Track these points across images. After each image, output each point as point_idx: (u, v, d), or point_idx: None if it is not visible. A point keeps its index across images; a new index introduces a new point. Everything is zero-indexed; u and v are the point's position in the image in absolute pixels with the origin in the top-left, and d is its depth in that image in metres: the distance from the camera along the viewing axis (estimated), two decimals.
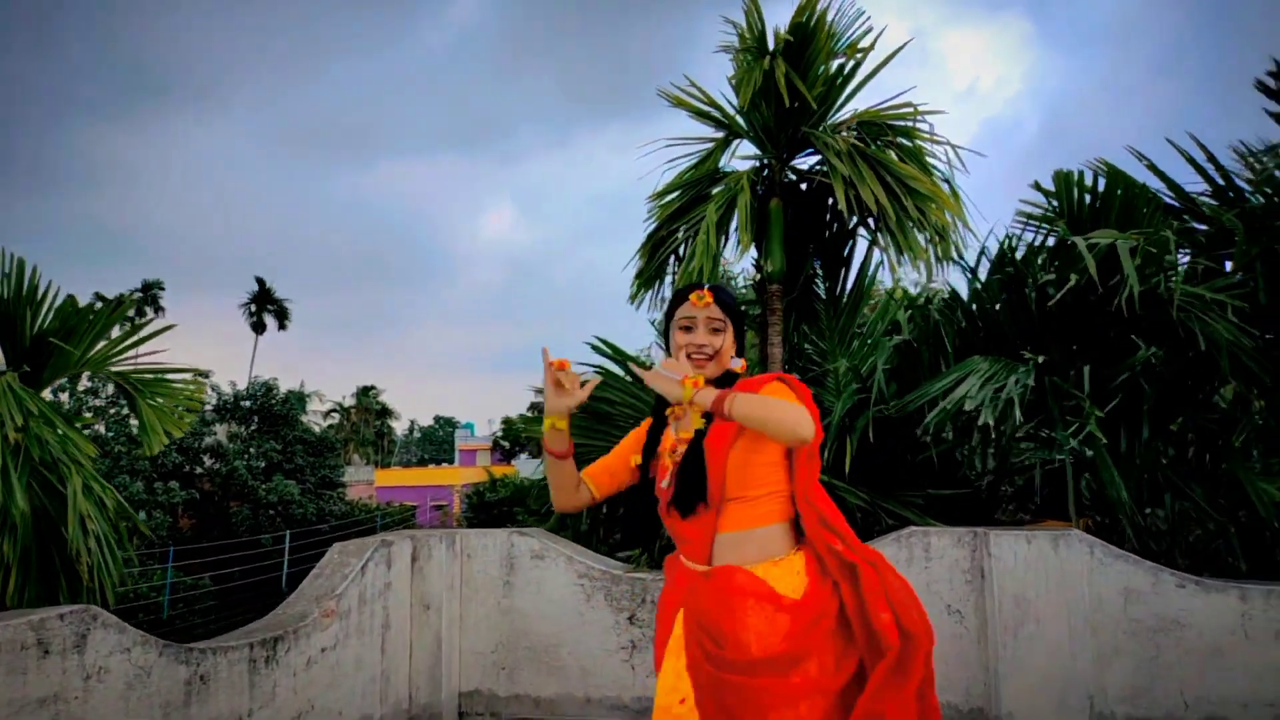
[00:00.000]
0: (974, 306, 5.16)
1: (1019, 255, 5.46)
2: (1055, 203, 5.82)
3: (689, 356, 2.20)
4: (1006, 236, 5.48)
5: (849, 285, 6.29)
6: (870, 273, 6.30)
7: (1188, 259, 5.15)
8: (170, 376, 7.40)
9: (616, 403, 6.67)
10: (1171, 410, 4.93)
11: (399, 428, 66.38)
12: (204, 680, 3.21)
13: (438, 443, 77.40)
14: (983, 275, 5.45)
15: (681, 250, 6.06)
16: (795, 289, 6.07)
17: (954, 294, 5.36)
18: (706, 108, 6.12)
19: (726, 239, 5.85)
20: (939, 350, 5.40)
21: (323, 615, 3.96)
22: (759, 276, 6.47)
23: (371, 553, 4.36)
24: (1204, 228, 5.49)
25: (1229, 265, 5.23)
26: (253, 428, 28.72)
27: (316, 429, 40.02)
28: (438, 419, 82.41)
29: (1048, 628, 4.15)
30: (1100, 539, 4.27)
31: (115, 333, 7.26)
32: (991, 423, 4.25)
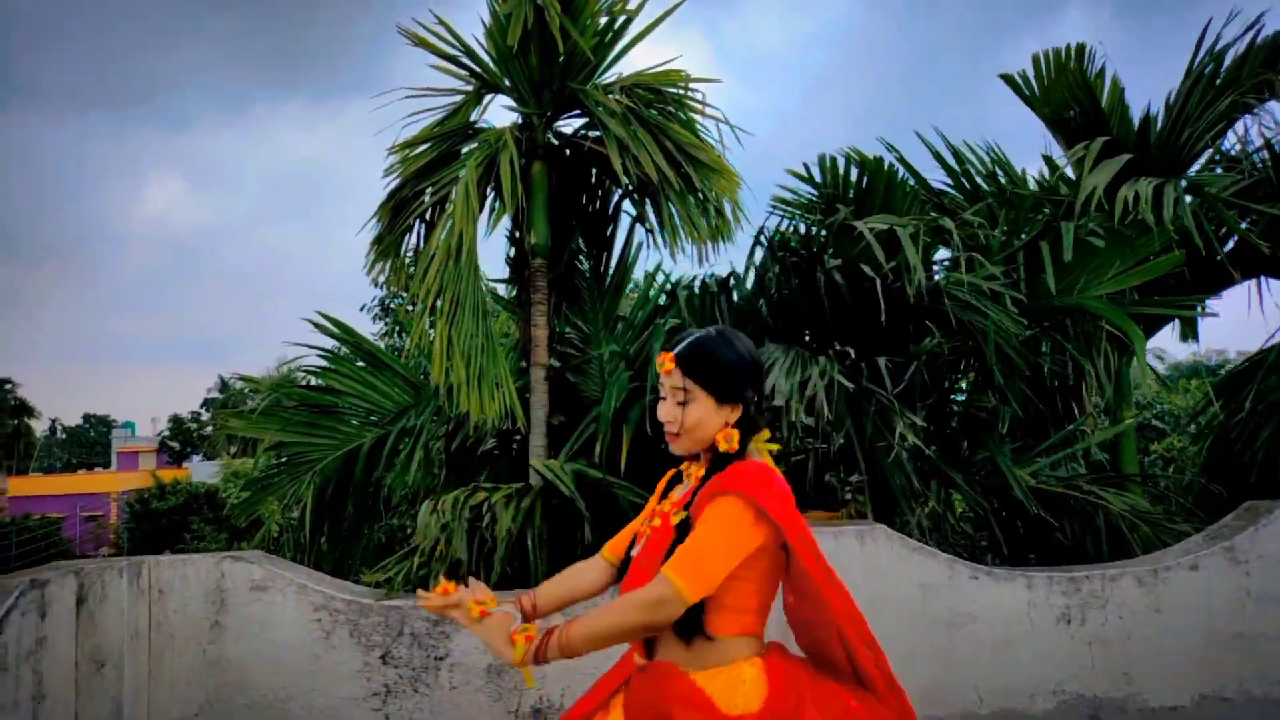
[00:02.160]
0: (767, 291, 4.83)
1: (792, 240, 5.24)
2: (814, 190, 5.71)
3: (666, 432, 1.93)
4: (788, 219, 5.24)
5: (613, 264, 5.77)
6: (634, 251, 5.83)
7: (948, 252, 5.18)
8: None
9: (343, 392, 5.68)
10: (942, 399, 4.93)
11: (39, 428, 57.07)
12: None
13: (89, 445, 67.59)
14: (758, 258, 5.17)
15: (429, 215, 5.22)
16: (560, 265, 5.45)
17: (731, 276, 5.02)
18: (457, 52, 5.31)
19: (483, 204, 5.10)
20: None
21: None
22: (513, 251, 5.78)
23: (15, 599, 3.14)
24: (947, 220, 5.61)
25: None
26: None
27: None
28: (88, 417, 72.04)
29: None
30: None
31: None
32: (802, 417, 3.91)
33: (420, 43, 5.36)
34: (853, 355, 4.31)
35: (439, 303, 4.83)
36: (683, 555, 1.75)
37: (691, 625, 1.78)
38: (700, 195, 4.87)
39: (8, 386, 45.80)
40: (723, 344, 1.90)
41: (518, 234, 5.56)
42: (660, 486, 2.09)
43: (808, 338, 4.69)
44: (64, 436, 70.77)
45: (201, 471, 34.98)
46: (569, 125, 5.53)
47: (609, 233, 5.76)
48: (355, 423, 5.64)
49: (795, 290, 4.69)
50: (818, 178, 5.62)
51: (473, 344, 4.77)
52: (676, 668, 1.81)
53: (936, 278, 4.91)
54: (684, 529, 1.83)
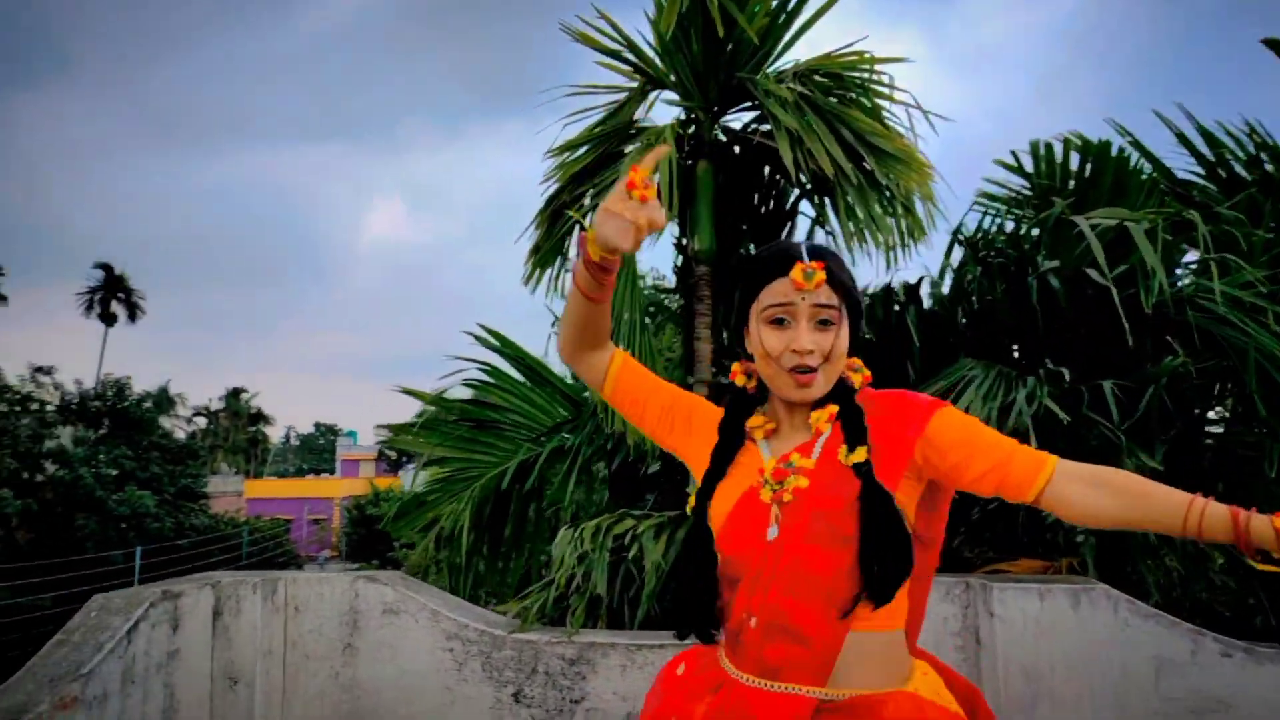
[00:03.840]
0: (966, 298, 4.17)
1: (997, 239, 4.53)
2: (1026, 182, 4.95)
3: (791, 370, 1.46)
4: (995, 217, 4.54)
5: None
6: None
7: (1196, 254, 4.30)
8: None
9: (504, 408, 5.47)
10: (1191, 431, 4.07)
11: (275, 435, 62.73)
12: None
13: (318, 451, 73.63)
14: (956, 261, 4.50)
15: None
16: (730, 271, 5.00)
17: (921, 282, 4.40)
18: (619, 46, 5.00)
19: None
20: (905, 350, 4.42)
21: (57, 707, 2.64)
22: (681, 257, 5.39)
23: (145, 610, 3.06)
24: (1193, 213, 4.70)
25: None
26: (102, 431, 26.07)
27: (181, 434, 37.03)
28: (319, 426, 78.54)
29: (1064, 712, 3.17)
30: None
31: None
32: None
33: (583, 39, 5.10)
34: (1068, 377, 3.57)
35: None
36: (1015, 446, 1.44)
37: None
38: (886, 191, 4.28)
39: (245, 395, 50.59)
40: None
41: (684, 240, 5.17)
42: (709, 432, 1.61)
43: (1016, 354, 3.98)
44: (297, 443, 77.46)
45: (411, 480, 37.02)
46: (739, 120, 5.09)
47: (785, 236, 5.25)
48: (513, 439, 5.42)
49: (999, 297, 3.99)
50: (1029, 167, 4.88)
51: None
52: (911, 693, 1.43)
53: (1181, 284, 4.08)
54: (867, 470, 1.43)
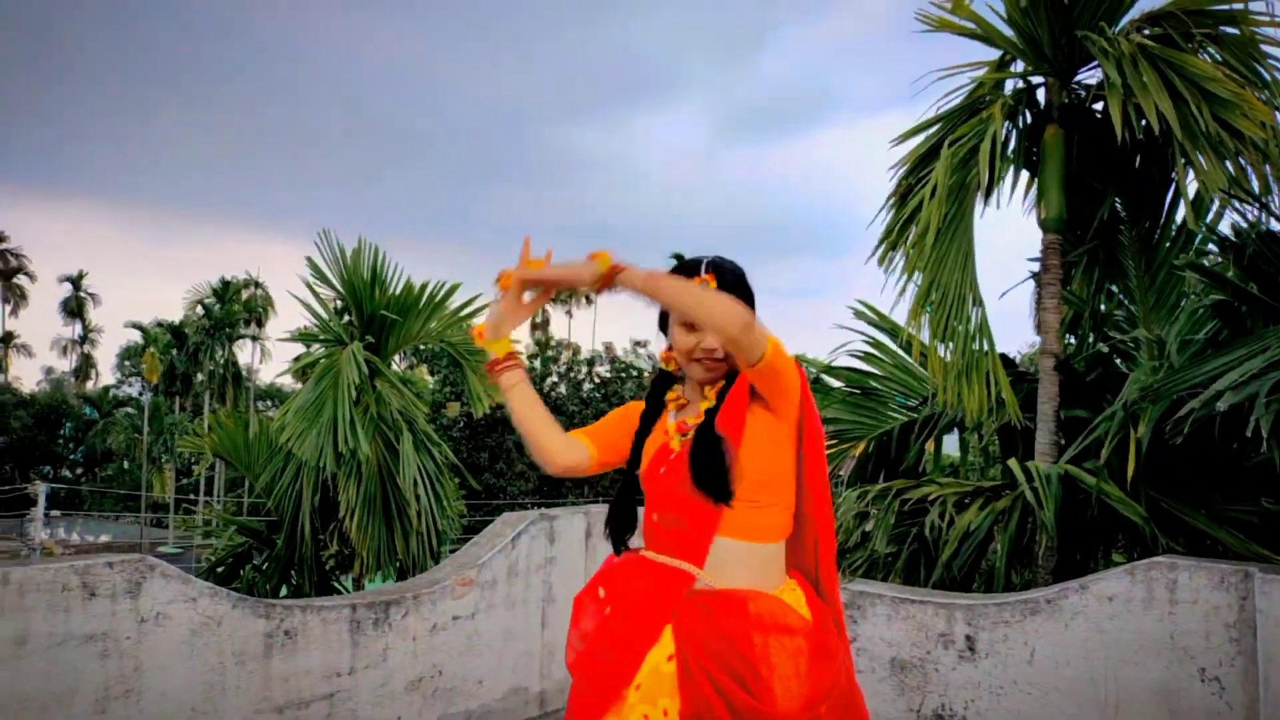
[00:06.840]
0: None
1: None
2: None
3: (697, 361, 1.90)
4: None
5: (1173, 232, 4.80)
6: (1208, 213, 4.75)
7: None
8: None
9: (883, 377, 5.92)
10: None
11: None
12: (289, 635, 3.46)
13: None
14: None
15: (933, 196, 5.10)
16: (1090, 237, 4.79)
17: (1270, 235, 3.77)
18: (967, 22, 5.05)
19: (981, 184, 4.78)
20: (1271, 313, 3.91)
21: (458, 584, 4.05)
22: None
23: (526, 525, 4.35)
24: None
25: None
26: None
27: None
28: None
29: None
30: None
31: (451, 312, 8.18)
32: (1264, 431, 2.95)
33: (942, 25, 5.23)
34: None
35: (933, 291, 4.79)
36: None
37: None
38: (1215, 139, 3.81)
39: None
40: (735, 263, 1.94)
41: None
42: (635, 416, 2.06)
43: None
44: None
45: None
46: (1096, 75, 4.77)
47: (1164, 195, 4.79)
48: (891, 403, 5.82)
49: None
50: None
51: (955, 332, 4.61)
52: (780, 600, 1.82)
53: None
54: (710, 413, 1.86)
